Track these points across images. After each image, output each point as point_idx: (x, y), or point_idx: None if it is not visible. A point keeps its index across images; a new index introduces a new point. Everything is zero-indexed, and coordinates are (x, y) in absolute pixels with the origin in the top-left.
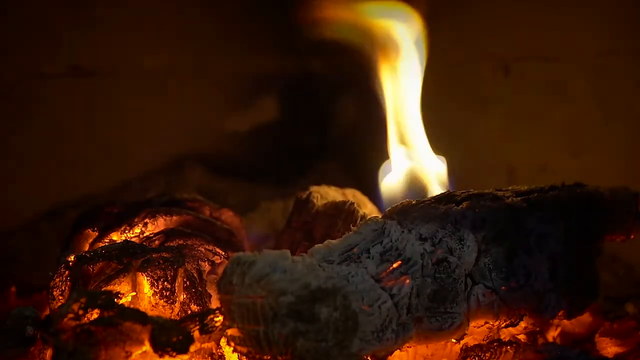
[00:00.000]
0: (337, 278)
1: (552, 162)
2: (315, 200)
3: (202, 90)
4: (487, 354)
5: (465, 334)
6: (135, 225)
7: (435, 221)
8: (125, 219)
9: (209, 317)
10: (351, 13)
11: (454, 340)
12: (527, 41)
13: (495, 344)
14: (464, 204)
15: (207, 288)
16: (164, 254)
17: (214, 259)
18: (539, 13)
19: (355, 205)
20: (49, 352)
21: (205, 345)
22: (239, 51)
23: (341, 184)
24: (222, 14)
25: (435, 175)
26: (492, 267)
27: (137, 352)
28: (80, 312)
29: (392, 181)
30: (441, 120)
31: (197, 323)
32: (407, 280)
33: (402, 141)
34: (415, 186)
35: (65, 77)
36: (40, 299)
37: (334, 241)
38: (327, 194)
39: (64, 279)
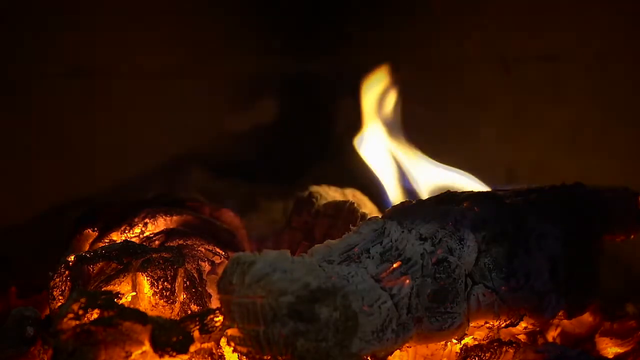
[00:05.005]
0: (337, 278)
1: (552, 162)
2: (315, 200)
3: (202, 90)
4: (487, 354)
5: (465, 334)
6: (135, 225)
7: (435, 221)
8: (125, 219)
9: (209, 317)
10: None
11: (454, 340)
12: (527, 41)
13: (495, 344)
14: (464, 204)
15: (207, 288)
16: (164, 254)
17: (214, 259)
18: (539, 13)
19: (355, 205)
20: (49, 352)
21: (205, 345)
22: (238, 51)
23: (341, 184)
24: (222, 14)
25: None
26: (492, 267)
27: (137, 352)
28: (80, 312)
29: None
30: (441, 120)
31: (197, 323)
32: (407, 281)
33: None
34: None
35: (65, 77)
36: (40, 299)
37: (334, 241)
38: (327, 194)
39: (64, 279)
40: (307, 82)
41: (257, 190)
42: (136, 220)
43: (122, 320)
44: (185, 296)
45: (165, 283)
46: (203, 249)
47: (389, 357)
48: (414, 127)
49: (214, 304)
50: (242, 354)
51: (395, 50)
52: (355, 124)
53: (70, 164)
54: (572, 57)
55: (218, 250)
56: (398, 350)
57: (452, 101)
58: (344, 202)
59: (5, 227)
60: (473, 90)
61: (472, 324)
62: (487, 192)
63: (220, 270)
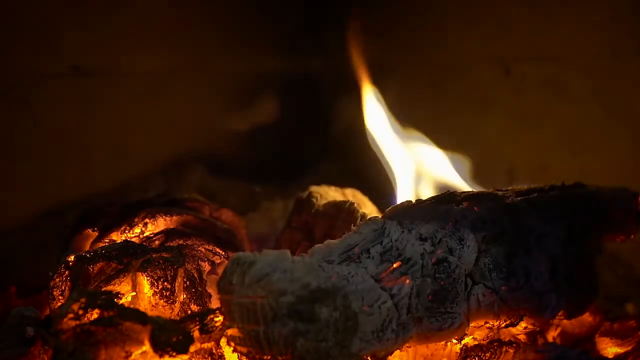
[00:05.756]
0: (337, 278)
1: (552, 162)
2: (315, 200)
3: (202, 90)
4: (487, 354)
5: (465, 334)
6: (135, 225)
7: (435, 221)
8: (125, 219)
9: (209, 317)
10: None
11: (454, 341)
12: (527, 41)
13: (495, 344)
14: (464, 204)
15: (207, 288)
16: (164, 254)
17: (214, 259)
18: (539, 13)
19: (355, 205)
20: (49, 352)
21: (205, 345)
22: (238, 51)
23: (341, 184)
24: (222, 13)
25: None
26: (492, 267)
27: (137, 352)
28: (80, 312)
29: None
30: (441, 121)
31: (197, 323)
32: (407, 281)
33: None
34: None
35: (65, 77)
36: (40, 299)
37: (334, 241)
38: (327, 194)
39: (64, 279)
40: (307, 82)
41: (257, 190)
42: (136, 220)
43: (122, 320)
44: (185, 296)
45: (165, 283)
46: (203, 249)
47: (389, 357)
48: (414, 127)
49: (214, 304)
50: (242, 354)
51: (396, 50)
52: (354, 124)
53: (70, 164)
54: (572, 57)
55: (218, 250)
56: (398, 350)
57: (452, 101)
58: (344, 202)
59: (5, 227)
60: (473, 90)
61: (472, 324)
62: (487, 192)
63: (220, 270)
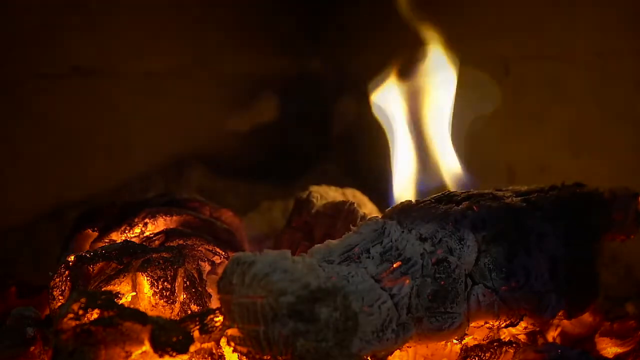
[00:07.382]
0: (337, 278)
1: (552, 162)
2: (315, 200)
3: (202, 90)
4: (487, 354)
5: (466, 334)
6: (135, 225)
7: (435, 221)
8: (125, 219)
9: (209, 317)
10: None
11: (454, 341)
12: (527, 41)
13: (495, 344)
14: (464, 204)
15: (207, 288)
16: (164, 254)
17: (214, 259)
18: (539, 13)
19: (355, 205)
20: (49, 352)
21: (205, 345)
22: (238, 51)
23: (341, 184)
24: (222, 14)
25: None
26: (492, 267)
27: (137, 352)
28: (80, 312)
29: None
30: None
31: (197, 323)
32: (407, 281)
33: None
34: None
35: (65, 77)
36: (40, 299)
37: (334, 241)
38: (327, 194)
39: (64, 279)
40: (307, 82)
41: (257, 190)
42: (136, 220)
43: (122, 320)
44: (185, 296)
45: (165, 283)
46: (203, 249)
47: (389, 357)
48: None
49: (214, 304)
50: (242, 354)
51: (396, 50)
52: (354, 124)
53: (70, 164)
54: (572, 57)
55: (218, 250)
56: (398, 350)
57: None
58: (344, 202)
59: (5, 227)
60: (472, 90)
61: (472, 324)
62: (486, 192)
63: (220, 270)
